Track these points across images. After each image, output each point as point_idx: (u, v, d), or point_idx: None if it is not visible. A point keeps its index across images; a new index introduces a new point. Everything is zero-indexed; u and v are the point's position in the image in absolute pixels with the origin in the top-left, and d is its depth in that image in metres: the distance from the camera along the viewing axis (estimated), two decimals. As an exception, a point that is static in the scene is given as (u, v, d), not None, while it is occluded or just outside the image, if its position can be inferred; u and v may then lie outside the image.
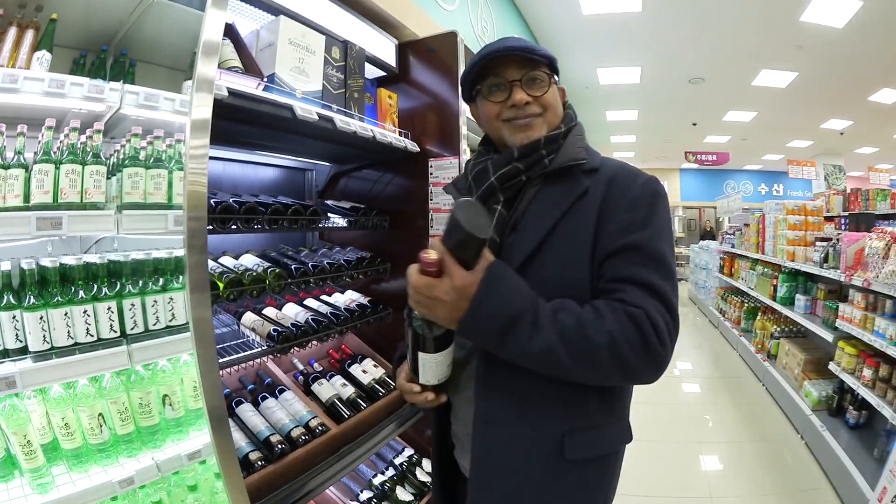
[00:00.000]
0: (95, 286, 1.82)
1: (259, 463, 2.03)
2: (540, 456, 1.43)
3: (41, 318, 1.66)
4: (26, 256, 1.76)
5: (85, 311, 1.75)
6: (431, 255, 1.23)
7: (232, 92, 1.83)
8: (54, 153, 1.75)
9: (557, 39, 9.52)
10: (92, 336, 1.75)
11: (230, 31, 2.22)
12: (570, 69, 11.23)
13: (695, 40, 9.38)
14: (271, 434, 2.16)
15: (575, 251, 1.41)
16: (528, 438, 1.43)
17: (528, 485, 1.44)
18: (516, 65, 1.49)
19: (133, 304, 1.87)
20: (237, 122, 2.12)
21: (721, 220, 14.81)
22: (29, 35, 1.82)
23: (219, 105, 1.77)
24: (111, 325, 1.80)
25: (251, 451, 2.06)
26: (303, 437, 2.22)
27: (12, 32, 1.79)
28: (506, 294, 1.26)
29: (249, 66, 2.11)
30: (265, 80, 2.08)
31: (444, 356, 1.38)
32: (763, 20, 8.28)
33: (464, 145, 3.00)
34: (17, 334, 1.65)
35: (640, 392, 5.50)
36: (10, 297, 1.67)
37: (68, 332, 1.71)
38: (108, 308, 1.80)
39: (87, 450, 1.80)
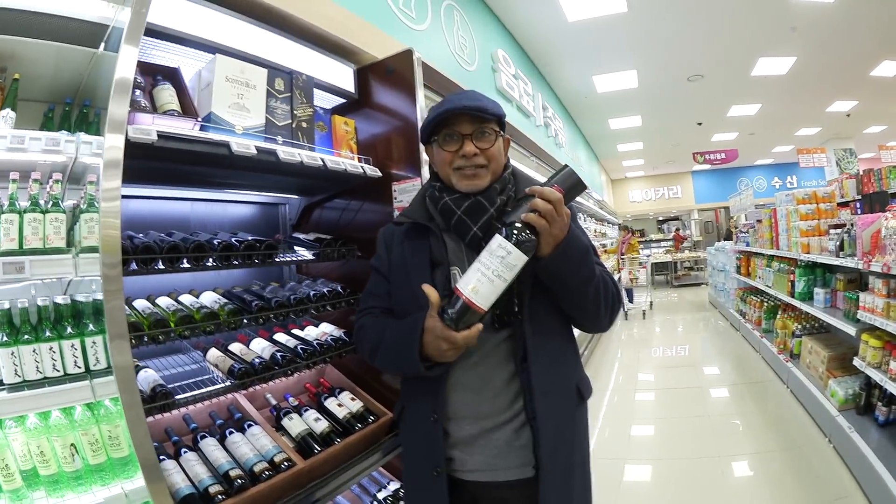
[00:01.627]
0: (62, 325, 2.02)
1: (219, 497, 2.09)
2: (571, 403, 1.98)
3: (12, 353, 1.88)
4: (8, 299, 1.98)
5: (51, 348, 1.94)
6: (559, 188, 1.69)
7: (162, 135, 1.94)
8: (19, 203, 1.94)
9: (546, 50, 9.65)
10: (58, 371, 1.95)
11: (174, 76, 2.40)
12: (565, 80, 11.39)
13: (687, 35, 9.47)
14: (231, 468, 2.22)
15: None
16: (563, 392, 1.95)
17: (570, 428, 1.95)
18: (469, 120, 1.86)
19: (94, 342, 2.03)
20: (178, 163, 2.26)
21: (736, 218, 14.78)
22: None
23: (150, 148, 1.93)
24: (75, 361, 1.99)
25: (212, 485, 2.12)
26: (266, 473, 2.26)
27: (-23, 94, 2.00)
28: (580, 234, 1.85)
29: (186, 108, 2.27)
30: (200, 119, 2.22)
31: (513, 279, 1.67)
32: (752, 5, 8.34)
33: (425, 170, 3.00)
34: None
35: (662, 407, 5.62)
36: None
37: (37, 366, 1.91)
38: (73, 345, 1.99)
39: (62, 477, 1.97)
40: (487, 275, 1.63)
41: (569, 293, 1.83)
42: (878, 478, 3.86)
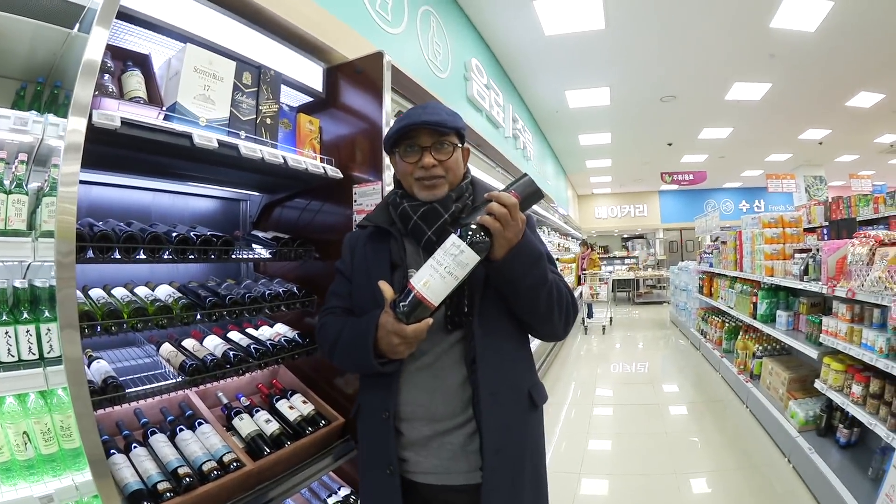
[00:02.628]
0: (18, 309, 2.02)
1: (167, 494, 2.10)
2: (521, 407, 2.01)
3: None
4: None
5: (6, 333, 1.93)
6: (516, 194, 1.78)
7: (125, 122, 1.96)
8: None
9: (521, 62, 9.73)
10: (13, 356, 1.93)
11: (144, 62, 2.42)
12: (538, 93, 11.49)
13: (663, 56, 9.58)
14: (180, 466, 2.23)
15: None
16: (513, 396, 1.99)
17: (519, 431, 1.98)
18: (428, 134, 1.95)
19: (49, 329, 2.01)
20: (140, 152, 2.27)
21: (700, 239, 15.02)
22: None
23: (114, 135, 1.95)
24: (30, 348, 1.97)
25: (160, 482, 2.14)
26: (215, 472, 2.30)
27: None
28: (534, 240, 1.92)
29: (153, 96, 2.29)
30: (164, 109, 2.24)
31: (465, 278, 1.74)
32: (732, 30, 8.48)
33: (387, 163, 3.01)
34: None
35: (620, 422, 5.70)
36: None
37: None
38: (28, 331, 1.97)
39: (15, 465, 1.96)
40: (440, 271, 1.70)
41: (520, 297, 1.89)
42: (838, 498, 3.97)
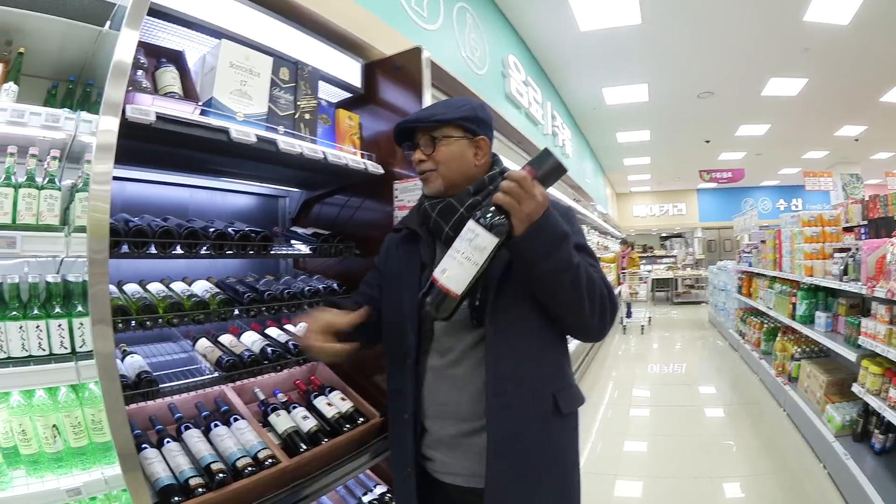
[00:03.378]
0: (50, 304, 2.03)
1: (199, 490, 2.06)
2: (538, 412, 1.87)
3: None
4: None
5: (38, 327, 1.95)
6: (529, 168, 1.66)
7: (160, 116, 1.93)
8: (15, 178, 1.95)
9: (557, 58, 9.62)
10: (44, 350, 1.95)
11: (178, 58, 2.39)
12: (575, 90, 11.37)
13: (699, 51, 9.42)
14: (214, 462, 2.20)
15: None
16: (527, 398, 1.85)
17: (534, 439, 1.85)
18: (420, 130, 1.99)
19: (82, 324, 2.03)
20: (176, 147, 2.23)
21: (739, 238, 14.79)
22: None
23: (148, 130, 1.91)
24: (62, 342, 1.98)
25: (192, 477, 2.10)
26: (249, 468, 2.24)
27: (-19, 66, 2.02)
28: (561, 221, 1.72)
29: (188, 92, 2.26)
30: (201, 104, 2.20)
31: (486, 262, 1.66)
32: (766, 24, 8.29)
33: None
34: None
35: (656, 424, 5.60)
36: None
37: (23, 344, 1.92)
38: (60, 325, 1.99)
39: (43, 457, 1.98)
40: (458, 258, 1.65)
41: (542, 283, 1.76)
42: (872, 505, 3.81)
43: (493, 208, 1.65)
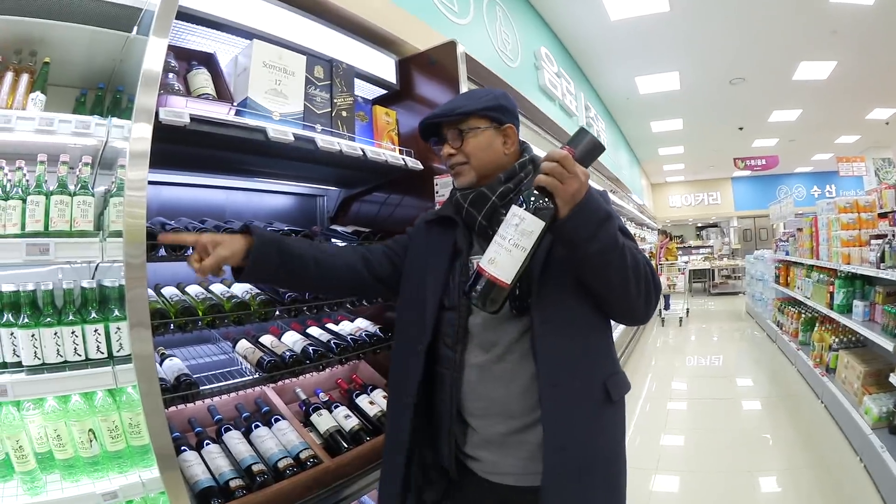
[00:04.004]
0: (86, 309, 2.01)
1: (239, 491, 2.05)
2: (591, 400, 1.80)
3: (33, 335, 1.88)
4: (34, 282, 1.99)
5: (73, 332, 1.93)
6: (568, 148, 1.60)
7: (194, 118, 1.91)
8: (46, 185, 1.95)
9: (589, 49, 9.51)
10: (80, 355, 1.94)
11: (209, 61, 2.36)
12: (607, 80, 11.24)
13: (728, 37, 9.24)
14: (254, 463, 2.19)
15: None
16: (580, 387, 1.78)
17: (588, 428, 1.78)
18: (445, 125, 1.93)
19: (119, 328, 2.00)
20: (212, 149, 2.20)
21: (775, 226, 14.57)
22: (24, 79, 2.08)
23: (183, 132, 1.89)
24: (98, 347, 1.96)
25: (232, 479, 2.09)
26: (290, 469, 2.23)
27: (9, 77, 2.05)
28: (600, 198, 1.67)
29: (222, 93, 2.23)
30: (235, 104, 2.18)
31: (534, 248, 1.60)
32: (793, 7, 8.12)
33: None
34: (14, 349, 1.88)
35: (694, 417, 5.47)
36: (10, 316, 1.90)
37: (58, 349, 1.91)
38: (96, 330, 1.97)
39: (78, 462, 1.97)
40: (504, 245, 1.58)
41: (589, 264, 1.68)
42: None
43: (535, 191, 1.59)
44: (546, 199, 1.57)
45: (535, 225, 1.56)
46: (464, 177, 1.92)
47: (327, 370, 2.92)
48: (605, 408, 1.83)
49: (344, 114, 2.67)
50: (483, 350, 1.84)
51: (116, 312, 2.02)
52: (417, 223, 2.20)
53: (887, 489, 4.17)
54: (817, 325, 7.63)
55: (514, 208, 1.59)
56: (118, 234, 1.84)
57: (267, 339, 2.67)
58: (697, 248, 24.42)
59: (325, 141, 2.42)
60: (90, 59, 2.22)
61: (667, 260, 15.08)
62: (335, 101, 2.63)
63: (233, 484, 2.07)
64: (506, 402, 1.82)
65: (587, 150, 1.62)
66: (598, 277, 1.70)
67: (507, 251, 1.57)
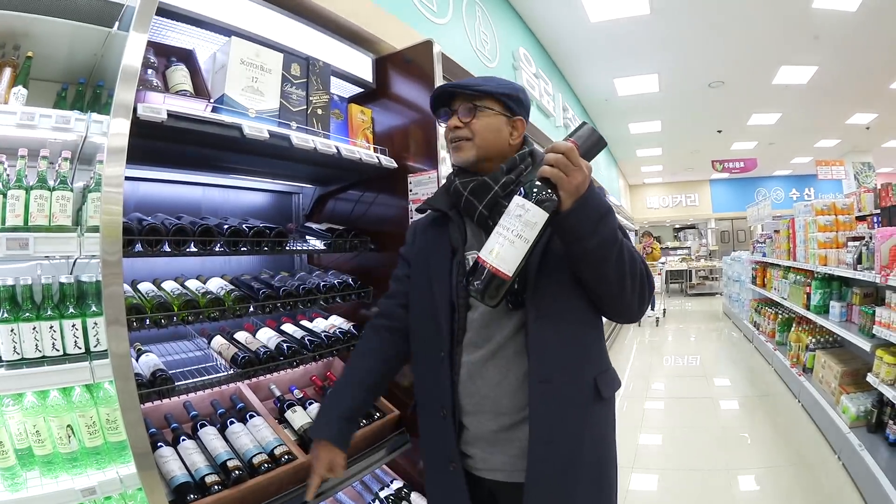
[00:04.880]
0: (64, 304, 2.02)
1: (215, 487, 2.08)
2: (582, 397, 1.82)
3: (12, 330, 1.89)
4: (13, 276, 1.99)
5: (52, 327, 1.94)
6: (572, 140, 1.60)
7: (172, 114, 1.94)
8: (26, 180, 1.96)
9: (568, 50, 9.60)
10: (58, 350, 1.95)
11: (188, 57, 2.40)
12: (587, 82, 11.33)
13: (709, 40, 9.36)
14: (230, 459, 2.21)
15: None
16: (571, 383, 1.80)
17: (577, 423, 1.80)
18: (460, 98, 1.91)
19: (96, 323, 2.02)
20: (188, 145, 2.22)
21: (753, 228, 14.75)
22: (7, 73, 2.08)
23: (160, 128, 1.92)
24: (76, 342, 1.98)
25: (208, 474, 2.11)
26: (265, 465, 2.26)
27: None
28: (600, 193, 1.69)
29: (199, 90, 2.27)
30: (212, 101, 2.21)
31: (536, 240, 1.61)
32: (775, 12, 8.23)
33: (442, 154, 3.01)
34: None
35: (672, 416, 5.53)
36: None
37: (36, 345, 1.92)
38: (73, 325, 1.98)
39: (57, 458, 1.98)
40: (507, 236, 1.57)
41: (588, 259, 1.68)
42: (886, 497, 3.77)
43: (538, 182, 1.59)
44: (549, 191, 1.57)
45: (539, 216, 1.56)
46: (463, 153, 1.91)
47: (302, 367, 2.95)
48: (594, 405, 1.85)
49: (319, 111, 2.70)
50: (476, 347, 1.85)
51: (94, 308, 2.03)
52: (417, 223, 2.20)
53: (866, 486, 4.26)
54: (794, 325, 7.77)
55: (517, 199, 1.58)
56: (95, 229, 1.84)
57: (242, 336, 2.70)
58: (675, 249, 24.61)
59: (300, 138, 2.44)
60: (72, 53, 2.24)
61: (649, 262, 15.18)
62: (311, 98, 2.66)
63: (208, 479, 2.09)
64: (497, 399, 1.83)
65: (591, 143, 1.63)
66: (595, 273, 1.72)
67: (510, 242, 1.57)
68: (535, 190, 1.57)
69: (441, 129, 2.98)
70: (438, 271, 1.93)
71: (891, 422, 4.51)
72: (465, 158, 1.90)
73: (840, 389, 5.46)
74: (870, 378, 4.53)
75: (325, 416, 2.03)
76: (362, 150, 2.85)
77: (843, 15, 8.28)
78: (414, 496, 3.13)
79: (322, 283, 2.90)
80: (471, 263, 1.71)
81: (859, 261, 5.08)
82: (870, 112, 14.41)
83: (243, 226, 2.54)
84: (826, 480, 4.72)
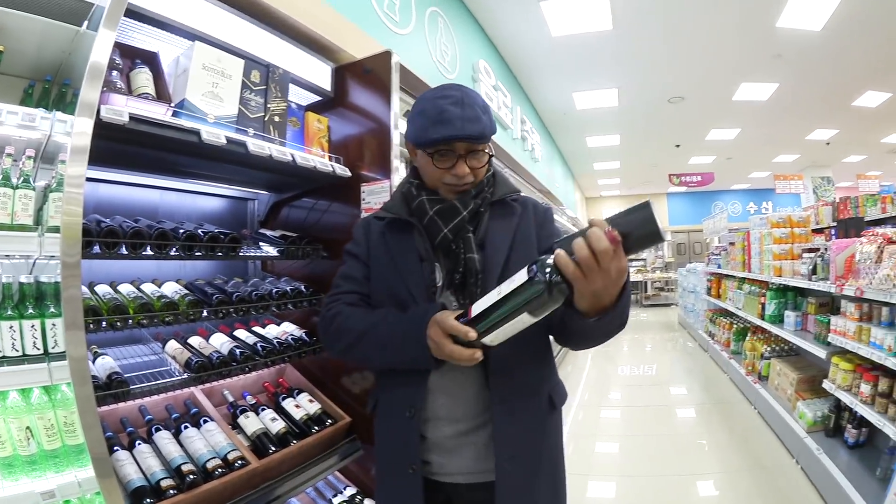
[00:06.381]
0: (24, 304, 2.05)
1: (170, 491, 2.10)
2: (540, 411, 1.91)
3: None
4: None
5: (11, 327, 1.96)
6: (617, 234, 1.31)
7: (133, 117, 1.97)
8: None
9: (529, 64, 9.73)
10: (17, 351, 1.96)
11: (152, 60, 2.42)
12: (545, 94, 11.49)
13: (670, 57, 9.57)
14: (184, 463, 2.23)
15: (531, 251, 1.90)
16: (529, 401, 1.87)
17: (535, 437, 1.88)
18: (466, 142, 1.81)
19: (55, 324, 2.04)
20: (148, 149, 2.28)
21: (709, 241, 15.04)
22: None
23: (122, 130, 1.96)
24: (34, 343, 2.00)
25: (164, 479, 2.13)
26: (219, 470, 2.29)
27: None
28: (629, 290, 1.55)
29: (161, 93, 2.30)
30: (173, 105, 2.25)
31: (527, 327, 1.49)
32: (739, 30, 8.46)
33: (396, 164, 3.06)
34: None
35: (628, 424, 5.64)
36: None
37: None
38: (32, 326, 2.00)
39: (17, 460, 1.99)
40: (508, 321, 1.46)
41: (587, 343, 1.73)
42: (847, 499, 3.93)
43: (549, 264, 1.37)
44: (563, 281, 1.37)
45: (528, 320, 1.44)
46: (461, 196, 1.87)
47: (255, 373, 2.99)
48: (549, 416, 1.94)
49: (277, 119, 2.75)
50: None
51: (52, 309, 2.05)
52: (365, 222, 2.10)
53: (826, 488, 4.40)
54: (749, 334, 8.00)
55: (528, 283, 1.39)
56: (56, 229, 1.86)
57: (195, 341, 2.73)
58: (631, 260, 24.88)
59: (256, 145, 2.48)
60: (41, 50, 2.25)
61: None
62: (269, 106, 2.70)
63: (164, 484, 2.11)
64: (452, 408, 1.87)
65: (640, 237, 1.33)
66: (583, 341, 1.73)
67: (509, 325, 1.47)
68: (546, 269, 1.37)
69: (396, 137, 3.07)
70: (411, 272, 1.88)
71: (849, 426, 4.67)
72: (458, 196, 1.88)
73: (796, 396, 5.65)
74: (826, 384, 4.74)
75: (414, 316, 1.76)
76: (317, 158, 2.89)
77: (807, 34, 8.54)
78: (367, 503, 3.17)
79: (275, 290, 2.93)
80: (452, 304, 1.80)
81: (814, 271, 5.30)
82: (831, 128, 14.85)
83: (198, 231, 2.57)
84: (785, 484, 4.86)
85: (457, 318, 1.58)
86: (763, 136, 15.59)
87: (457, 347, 1.57)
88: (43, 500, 1.91)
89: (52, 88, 2.36)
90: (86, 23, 2.17)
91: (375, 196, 3.05)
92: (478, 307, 1.52)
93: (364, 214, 3.08)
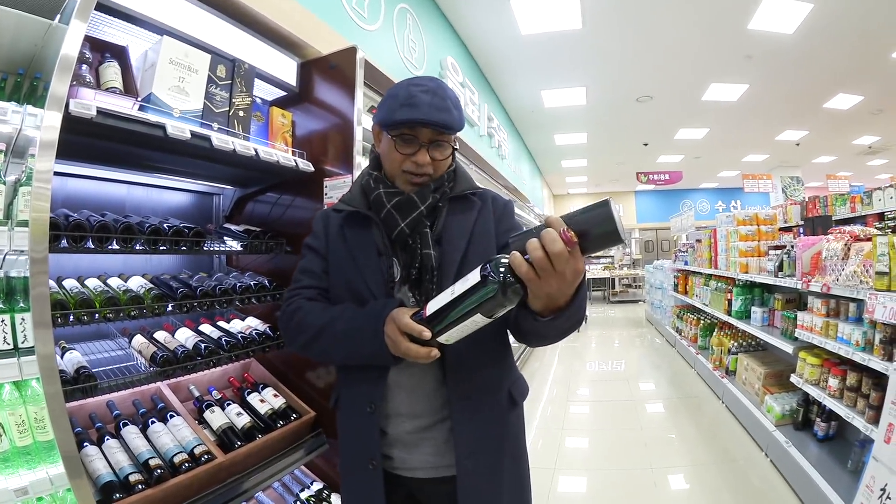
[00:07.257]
0: None
1: (139, 486, 2.14)
2: (500, 407, 1.94)
3: None
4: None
5: None
6: (573, 235, 1.28)
7: (101, 111, 2.00)
8: None
9: (497, 61, 9.79)
10: None
11: (121, 54, 2.44)
12: (514, 93, 11.57)
13: (640, 56, 9.67)
14: (151, 457, 2.26)
15: (489, 246, 1.93)
16: (489, 398, 1.91)
17: (496, 432, 1.91)
18: (431, 130, 1.81)
19: (24, 319, 2.02)
20: (116, 142, 2.30)
21: (676, 238, 15.23)
22: None
23: (90, 124, 1.99)
24: (4, 338, 1.98)
25: (132, 473, 2.16)
26: (186, 464, 2.33)
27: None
28: (584, 291, 1.52)
29: (129, 87, 2.33)
30: (140, 99, 2.28)
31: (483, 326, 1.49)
32: (709, 31, 8.58)
33: (358, 159, 3.09)
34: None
35: (596, 419, 5.77)
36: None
37: None
38: (2, 321, 1.98)
39: None
40: (462, 320, 1.46)
41: (543, 342, 1.69)
42: (817, 490, 4.04)
43: (504, 264, 1.36)
44: (517, 282, 1.35)
45: (482, 321, 1.44)
46: (420, 188, 1.87)
47: (220, 368, 3.04)
48: (510, 412, 1.97)
49: (241, 113, 2.77)
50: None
51: (22, 304, 2.05)
52: (324, 215, 2.11)
53: (796, 480, 4.55)
54: (716, 330, 8.15)
55: (476, 273, 1.41)
56: (25, 223, 1.85)
57: (161, 335, 2.76)
58: (598, 257, 25.13)
59: (220, 140, 2.53)
60: (15, 43, 2.23)
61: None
62: (234, 100, 2.72)
63: (132, 478, 2.15)
64: (411, 404, 1.90)
65: (598, 236, 1.29)
66: (539, 339, 1.69)
67: (465, 325, 1.47)
68: (500, 269, 1.36)
69: (359, 132, 3.11)
70: (369, 269, 1.89)
71: (818, 419, 4.82)
72: (416, 190, 1.88)
73: (764, 390, 5.80)
74: (794, 379, 4.89)
75: (371, 312, 1.77)
76: (280, 153, 2.92)
77: (779, 37, 8.69)
78: (334, 498, 3.23)
79: (238, 284, 2.97)
80: (408, 299, 1.82)
81: (780, 268, 5.46)
82: (801, 129, 15.12)
83: (163, 225, 2.59)
84: (754, 476, 4.98)
85: (413, 315, 1.59)
86: (732, 137, 15.85)
87: (413, 345, 1.58)
88: (17, 496, 1.90)
89: (24, 82, 2.36)
90: (58, 16, 2.18)
91: (338, 191, 3.08)
92: (432, 306, 1.53)
93: (326, 209, 3.10)
